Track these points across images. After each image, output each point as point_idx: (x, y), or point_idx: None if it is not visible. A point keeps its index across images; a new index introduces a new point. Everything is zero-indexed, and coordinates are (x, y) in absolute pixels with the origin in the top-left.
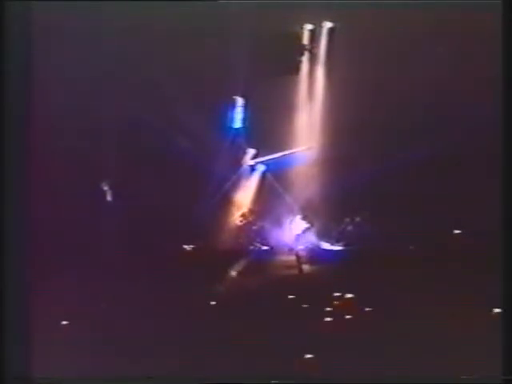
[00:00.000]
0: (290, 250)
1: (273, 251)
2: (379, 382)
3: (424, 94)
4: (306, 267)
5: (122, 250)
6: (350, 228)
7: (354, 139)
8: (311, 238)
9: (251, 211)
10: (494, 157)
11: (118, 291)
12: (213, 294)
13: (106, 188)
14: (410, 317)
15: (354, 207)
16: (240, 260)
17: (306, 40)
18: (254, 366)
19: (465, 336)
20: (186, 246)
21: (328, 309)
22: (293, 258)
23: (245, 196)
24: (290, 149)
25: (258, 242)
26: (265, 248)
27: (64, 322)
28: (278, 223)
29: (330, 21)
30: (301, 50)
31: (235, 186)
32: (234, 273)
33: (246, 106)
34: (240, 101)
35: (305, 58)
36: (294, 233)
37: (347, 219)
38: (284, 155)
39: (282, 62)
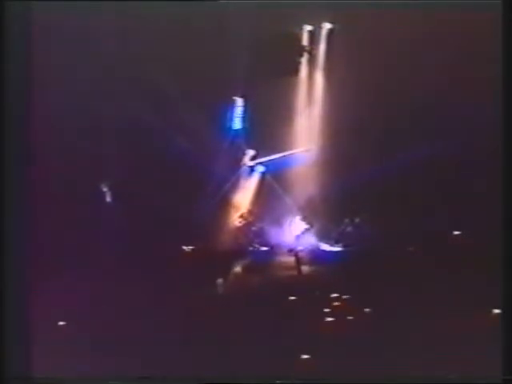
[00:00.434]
0: (290, 250)
1: (272, 252)
2: (379, 382)
3: (423, 94)
4: (305, 268)
5: (121, 251)
6: (349, 229)
7: (354, 140)
8: (310, 239)
9: (250, 212)
10: (494, 157)
11: (118, 292)
12: (212, 294)
13: (105, 189)
14: (409, 317)
15: (353, 208)
16: (239, 261)
17: (305, 41)
18: (254, 366)
19: (465, 336)
20: (185, 247)
21: (327, 310)
22: (292, 258)
23: (244, 197)
24: (290, 150)
25: (257, 243)
26: (264, 249)
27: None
28: (278, 224)
29: (330, 22)
30: (300, 51)
31: (234, 186)
32: (233, 273)
33: (245, 107)
34: (239, 101)
35: (304, 59)
36: (294, 234)
37: (346, 220)
38: (283, 156)
39: (282, 63)
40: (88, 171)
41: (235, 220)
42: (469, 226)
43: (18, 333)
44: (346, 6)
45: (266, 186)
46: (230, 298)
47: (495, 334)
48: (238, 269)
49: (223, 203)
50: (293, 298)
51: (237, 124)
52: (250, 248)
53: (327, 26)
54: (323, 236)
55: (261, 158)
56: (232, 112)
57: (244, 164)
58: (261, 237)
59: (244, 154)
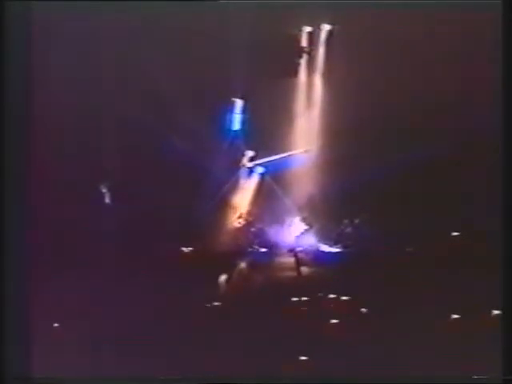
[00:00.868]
0: (289, 251)
1: (271, 253)
2: (379, 382)
3: (423, 94)
4: (304, 269)
5: (120, 251)
6: (348, 230)
7: (353, 141)
8: (310, 240)
9: (250, 213)
10: (494, 157)
11: (117, 292)
12: (212, 295)
13: (104, 190)
14: (409, 318)
15: (352, 209)
16: (239, 261)
17: (304, 42)
18: (253, 367)
19: (465, 336)
20: (184, 248)
21: (327, 310)
22: (291, 259)
23: (243, 198)
24: (289, 151)
25: (257, 244)
26: (263, 250)
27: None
28: (277, 225)
29: (329, 23)
30: (300, 52)
31: (234, 187)
32: (232, 274)
33: (244, 108)
34: (239, 103)
35: (303, 61)
36: (293, 234)
37: (346, 221)
38: (283, 157)
39: (281, 64)
40: (88, 171)
41: (235, 221)
42: (469, 226)
43: (18, 333)
44: (346, 6)
45: (265, 186)
46: (229, 298)
47: (495, 335)
48: (237, 269)
49: (223, 204)
50: (292, 297)
51: (236, 125)
52: (250, 249)
53: (326, 27)
54: (323, 237)
55: (260, 159)
56: (231, 113)
57: (243, 165)
58: (260, 237)
59: (243, 155)
